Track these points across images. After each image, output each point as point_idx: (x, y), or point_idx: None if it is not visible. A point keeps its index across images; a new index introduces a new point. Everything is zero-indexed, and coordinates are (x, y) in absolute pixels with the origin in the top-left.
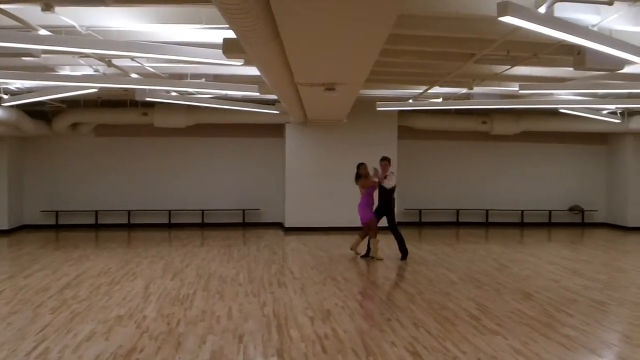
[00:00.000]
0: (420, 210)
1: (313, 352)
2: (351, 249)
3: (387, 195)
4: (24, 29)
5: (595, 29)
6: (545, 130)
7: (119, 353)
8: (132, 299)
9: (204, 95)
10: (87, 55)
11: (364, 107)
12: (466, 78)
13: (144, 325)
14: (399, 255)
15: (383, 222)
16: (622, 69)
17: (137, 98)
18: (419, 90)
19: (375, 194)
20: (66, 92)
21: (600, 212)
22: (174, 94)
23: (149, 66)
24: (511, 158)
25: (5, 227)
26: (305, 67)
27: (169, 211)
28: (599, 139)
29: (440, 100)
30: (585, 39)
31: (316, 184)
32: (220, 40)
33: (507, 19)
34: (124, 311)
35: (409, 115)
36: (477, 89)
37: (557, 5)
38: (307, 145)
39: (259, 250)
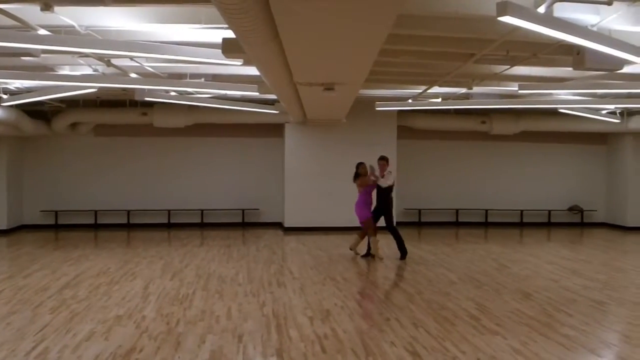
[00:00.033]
0: (419, 210)
1: (312, 352)
2: (351, 249)
3: (384, 195)
4: (24, 29)
5: (595, 28)
6: (544, 130)
7: (119, 353)
8: (131, 299)
9: (204, 95)
10: (86, 55)
11: (364, 107)
12: (465, 78)
13: (144, 325)
14: (399, 255)
15: (382, 221)
16: (621, 69)
17: (137, 98)
18: (418, 90)
19: (374, 194)
20: (65, 91)
21: (599, 212)
22: (173, 93)
23: (148, 66)
24: (510, 158)
25: (4, 227)
26: (305, 67)
27: (169, 211)
28: (598, 139)
29: (439, 100)
30: (585, 38)
31: (316, 183)
32: (220, 40)
33: (507, 19)
34: (123, 311)
35: (409, 115)
36: (476, 89)
37: (557, 5)
38: (307, 145)
39: (259, 250)
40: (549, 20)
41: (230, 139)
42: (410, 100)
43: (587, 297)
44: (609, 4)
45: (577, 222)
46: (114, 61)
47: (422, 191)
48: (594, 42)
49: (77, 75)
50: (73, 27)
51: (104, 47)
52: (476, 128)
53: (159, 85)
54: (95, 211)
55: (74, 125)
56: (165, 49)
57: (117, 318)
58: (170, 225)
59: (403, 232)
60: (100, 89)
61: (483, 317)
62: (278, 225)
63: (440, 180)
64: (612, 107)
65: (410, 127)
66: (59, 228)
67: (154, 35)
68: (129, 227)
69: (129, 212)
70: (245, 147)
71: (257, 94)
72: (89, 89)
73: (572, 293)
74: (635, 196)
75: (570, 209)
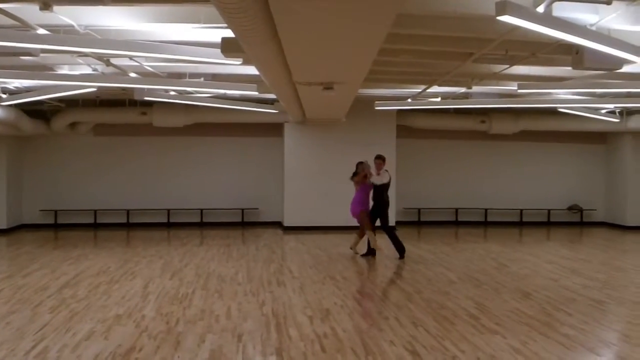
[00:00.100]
0: (419, 210)
1: (312, 351)
2: (351, 249)
3: (379, 193)
4: (23, 28)
5: (594, 28)
6: (544, 130)
7: (118, 352)
8: (131, 298)
9: (203, 94)
10: (85, 55)
11: (363, 106)
12: (465, 77)
13: (143, 325)
14: (397, 255)
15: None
16: (620, 68)
17: (136, 97)
18: (417, 89)
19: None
20: (65, 91)
21: (599, 211)
22: (172, 93)
23: (147, 65)
24: (510, 157)
25: (4, 226)
26: (304, 66)
27: (168, 210)
28: (597, 138)
29: (439, 99)
30: (584, 38)
31: (315, 183)
32: (219, 40)
33: (506, 18)
34: (122, 310)
35: (408, 114)
36: (475, 88)
37: (556, 4)
38: (306, 145)
39: (258, 249)
40: (548, 19)
41: (230, 139)
42: (409, 100)
43: (587, 296)
44: (608, 3)
45: (576, 222)
46: (113, 61)
47: (421, 190)
48: (593, 41)
49: (77, 75)
50: (72, 26)
51: (103, 47)
52: (475, 127)
53: (159, 85)
54: (95, 210)
55: (73, 125)
56: (164, 48)
57: (117, 317)
58: (170, 225)
59: (402, 232)
60: (99, 88)
61: (482, 316)
62: (277, 224)
63: (439, 180)
64: (611, 106)
65: (410, 126)
66: (58, 227)
67: (153, 34)
68: (129, 226)
69: (128, 211)
70: (245, 147)
71: (256, 93)
72: (89, 88)
73: (572, 292)
74: (635, 195)
75: (570, 208)
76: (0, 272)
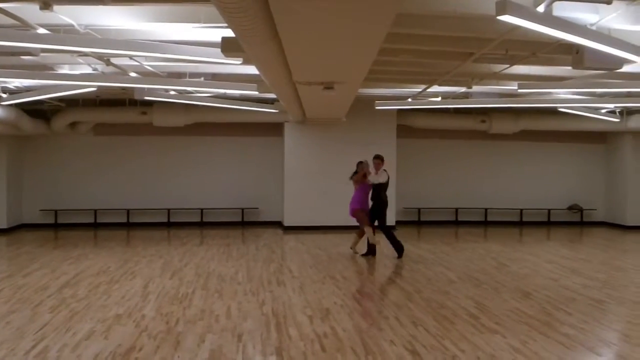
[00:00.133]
0: (419, 209)
1: (312, 350)
2: (351, 249)
3: (377, 194)
4: (23, 28)
5: (594, 28)
6: (544, 129)
7: (118, 352)
8: (131, 298)
9: (203, 94)
10: (85, 54)
11: (363, 106)
12: (465, 77)
13: (143, 324)
14: (396, 254)
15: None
16: (620, 68)
17: (136, 97)
18: (417, 89)
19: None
20: (65, 91)
21: (599, 211)
22: (172, 92)
23: (147, 65)
24: (510, 157)
25: (4, 226)
26: (304, 66)
27: (168, 210)
28: (597, 138)
29: (439, 99)
30: (584, 38)
31: (315, 183)
32: (219, 39)
33: (506, 18)
34: (122, 310)
35: (408, 114)
36: (475, 88)
37: (556, 4)
38: (306, 144)
39: (258, 249)
40: (548, 19)
41: (230, 138)
42: (409, 100)
43: (587, 295)
44: (608, 3)
45: (576, 221)
46: (113, 60)
47: (421, 190)
48: (593, 41)
49: (77, 75)
50: (72, 26)
51: (103, 46)
52: (476, 127)
53: (159, 84)
54: (95, 210)
55: (73, 125)
56: (164, 48)
57: (117, 317)
58: (170, 224)
59: (402, 232)
60: (99, 88)
61: (482, 316)
62: (277, 224)
63: (439, 179)
64: (611, 106)
65: (410, 126)
66: (58, 227)
67: (154, 34)
68: (129, 226)
69: (128, 211)
70: (245, 146)
71: (256, 93)
72: (89, 88)
73: (572, 292)
74: (635, 195)
75: (570, 207)
76: (0, 272)
